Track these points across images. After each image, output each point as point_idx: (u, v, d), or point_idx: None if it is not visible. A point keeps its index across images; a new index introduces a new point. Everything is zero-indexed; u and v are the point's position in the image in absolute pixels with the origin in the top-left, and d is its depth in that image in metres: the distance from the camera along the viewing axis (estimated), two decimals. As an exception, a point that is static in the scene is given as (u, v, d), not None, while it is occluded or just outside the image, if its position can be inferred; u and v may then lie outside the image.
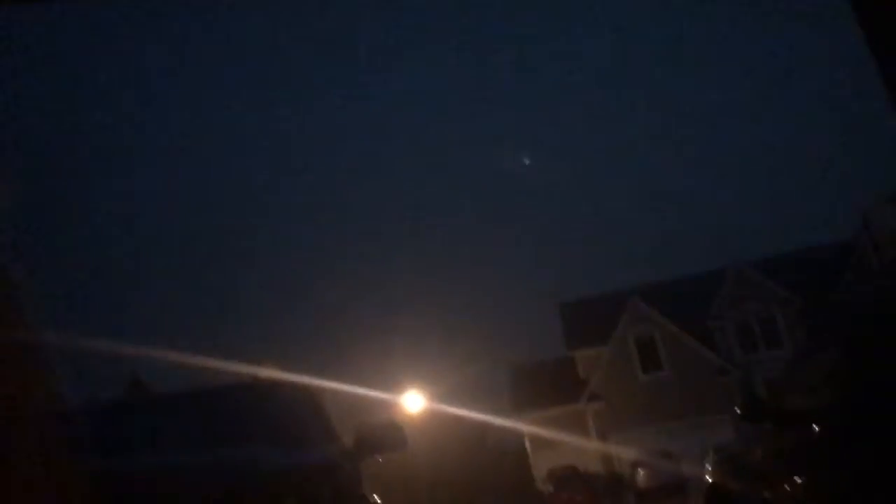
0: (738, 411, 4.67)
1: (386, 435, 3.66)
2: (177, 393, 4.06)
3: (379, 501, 3.67)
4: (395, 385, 22.61)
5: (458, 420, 29.49)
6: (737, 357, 31.24)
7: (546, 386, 34.60)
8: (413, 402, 21.25)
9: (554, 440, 32.99)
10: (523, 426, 34.12)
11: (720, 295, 32.58)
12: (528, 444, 34.78)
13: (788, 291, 31.56)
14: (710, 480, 5.38)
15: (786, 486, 4.39)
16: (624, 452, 30.66)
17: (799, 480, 4.30)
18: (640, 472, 26.71)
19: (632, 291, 33.79)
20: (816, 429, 4.13)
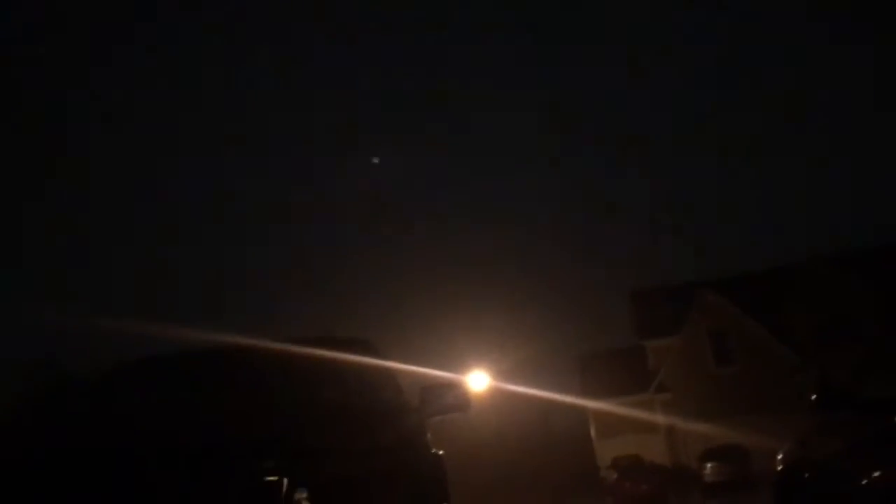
0: (814, 399, 4.50)
1: (450, 394, 3.69)
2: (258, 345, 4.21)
3: (442, 453, 3.69)
4: (460, 364, 22.72)
5: (523, 403, 29.52)
6: (812, 354, 30.13)
7: (614, 374, 34.21)
8: (478, 380, 21.33)
9: (620, 429, 32.67)
10: (589, 413, 33.90)
11: (797, 288, 31.42)
12: (593, 432, 34.55)
13: (870, 286, 30.18)
14: (780, 469, 5.18)
15: (863, 479, 4.21)
16: (692, 445, 30.09)
17: (878, 474, 4.12)
18: (708, 466, 26.17)
19: (706, 282, 32.99)
20: (898, 418, 3.95)
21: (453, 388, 3.80)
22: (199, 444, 2.54)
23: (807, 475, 4.76)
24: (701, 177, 63.16)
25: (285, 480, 2.48)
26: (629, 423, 31.63)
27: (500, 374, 25.30)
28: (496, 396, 24.54)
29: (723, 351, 31.45)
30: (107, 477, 2.47)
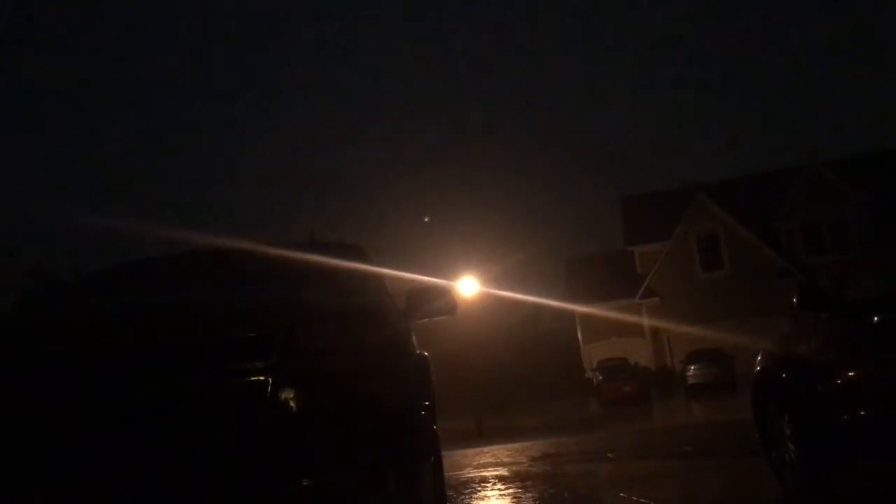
0: (796, 301, 4.53)
1: (436, 297, 3.71)
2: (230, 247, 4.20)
3: (427, 354, 3.75)
4: (450, 271, 22.91)
5: (511, 307, 29.96)
6: (803, 260, 30.47)
7: (602, 279, 34.62)
8: (467, 286, 21.55)
9: (606, 333, 33.37)
10: (577, 317, 34.51)
11: (790, 194, 31.46)
12: (580, 335, 35.28)
13: (863, 193, 30.22)
14: (758, 370, 5.29)
15: (839, 378, 4.30)
16: (677, 349, 30.83)
17: (853, 372, 4.21)
18: (692, 368, 26.91)
19: (698, 187, 32.98)
20: (878, 319, 4.00)
21: (440, 291, 3.82)
22: (184, 343, 2.56)
23: (784, 374, 4.87)
24: (703, 75, 62.15)
25: (271, 379, 2.51)
26: (615, 326, 32.28)
27: (490, 280, 25.55)
28: (486, 301, 24.86)
29: (711, 256, 31.75)
30: (90, 376, 2.50)
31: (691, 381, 26.74)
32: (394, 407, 2.65)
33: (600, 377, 29.13)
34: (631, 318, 31.74)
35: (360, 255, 4.12)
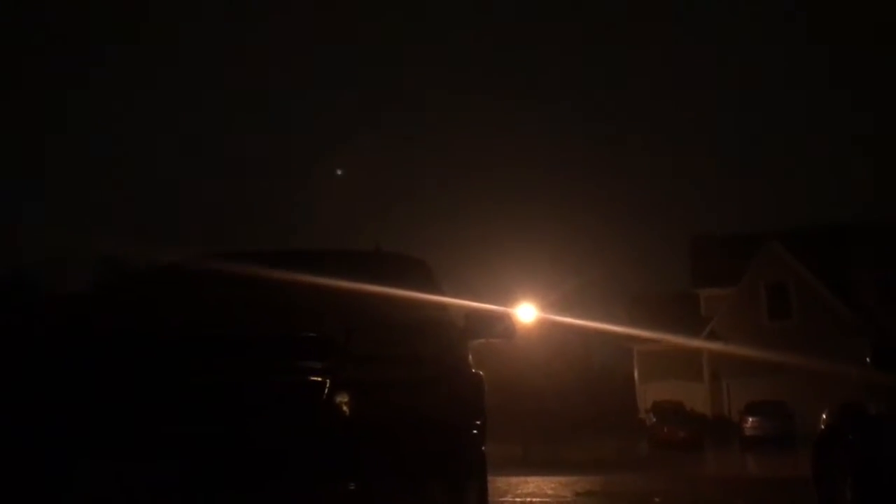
0: (870, 359, 4.35)
1: (496, 319, 3.70)
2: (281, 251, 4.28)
3: (482, 374, 3.74)
4: (508, 296, 22.79)
5: (568, 338, 29.58)
6: (876, 317, 29.23)
7: (664, 318, 33.85)
8: (525, 312, 21.41)
9: (664, 374, 32.61)
10: (634, 353, 33.85)
11: (862, 246, 30.29)
12: (636, 374, 34.58)
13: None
14: (823, 428, 5.07)
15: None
16: (735, 398, 29.90)
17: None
18: (750, 419, 26.06)
19: (770, 233, 32.09)
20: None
21: (500, 316, 3.80)
22: (246, 337, 2.60)
23: (851, 436, 4.66)
24: (773, 128, 60.92)
25: (328, 380, 2.53)
26: (674, 368, 31.52)
27: (548, 306, 25.32)
28: (542, 329, 24.64)
29: (780, 305, 30.79)
30: (154, 359, 2.56)
31: (749, 432, 25.89)
32: (446, 421, 2.65)
33: (654, 419, 28.46)
34: (692, 361, 30.96)
35: (425, 270, 4.14)
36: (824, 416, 5.16)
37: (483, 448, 3.53)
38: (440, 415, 2.62)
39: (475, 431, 3.00)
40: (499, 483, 11.44)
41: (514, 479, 13.00)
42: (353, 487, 2.46)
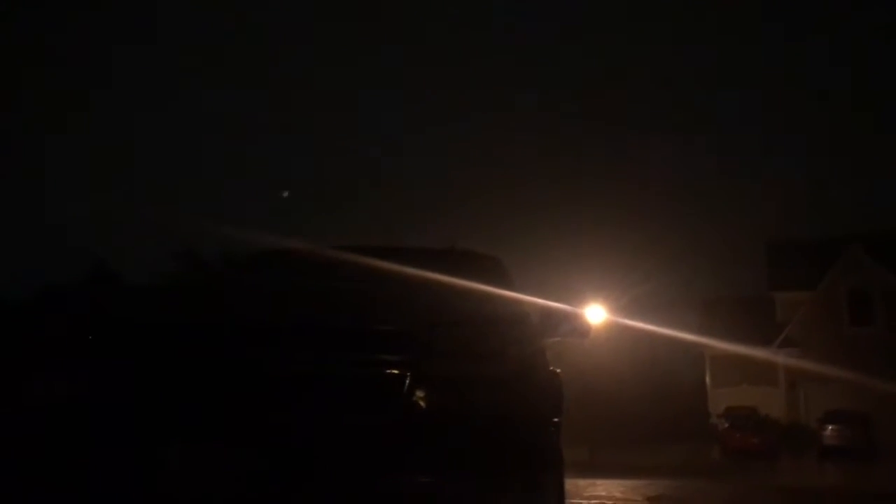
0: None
1: (570, 318, 3.68)
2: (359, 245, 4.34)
3: (560, 371, 3.72)
4: (578, 297, 22.57)
5: (637, 341, 29.10)
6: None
7: (739, 322, 32.95)
8: (595, 314, 21.17)
9: (737, 379, 31.73)
10: (707, 358, 33.05)
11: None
12: (708, 378, 33.76)
13: None
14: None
15: None
16: (812, 405, 28.88)
17: None
18: (829, 428, 25.13)
19: (851, 237, 30.87)
20: None
21: (575, 314, 3.79)
22: (328, 328, 2.64)
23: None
24: (855, 130, 58.60)
25: (409, 374, 2.56)
26: (748, 373, 30.65)
27: (618, 309, 25.00)
28: (611, 331, 24.33)
29: (862, 310, 29.60)
30: (237, 349, 2.62)
31: (827, 441, 24.96)
32: (525, 417, 2.64)
33: (726, 424, 27.73)
34: (766, 367, 30.05)
35: (499, 267, 4.15)
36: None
37: (560, 446, 3.52)
38: (520, 412, 2.62)
39: (552, 428, 2.99)
40: (567, 485, 11.36)
41: (581, 482, 12.89)
42: (427, 481, 2.48)
